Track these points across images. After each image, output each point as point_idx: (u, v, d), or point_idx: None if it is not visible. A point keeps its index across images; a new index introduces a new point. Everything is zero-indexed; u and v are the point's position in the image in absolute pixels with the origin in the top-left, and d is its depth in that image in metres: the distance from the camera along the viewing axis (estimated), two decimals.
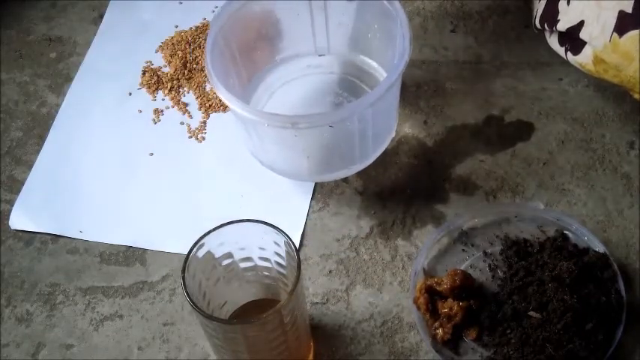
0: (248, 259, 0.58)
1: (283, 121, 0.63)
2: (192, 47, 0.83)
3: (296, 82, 0.77)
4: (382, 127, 0.70)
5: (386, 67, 0.75)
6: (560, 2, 0.70)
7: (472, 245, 0.69)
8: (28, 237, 0.72)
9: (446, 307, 0.63)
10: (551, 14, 0.71)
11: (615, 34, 0.65)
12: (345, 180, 0.73)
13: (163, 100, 0.80)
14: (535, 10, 0.75)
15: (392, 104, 0.69)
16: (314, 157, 0.69)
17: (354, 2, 0.71)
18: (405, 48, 0.65)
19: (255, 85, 0.76)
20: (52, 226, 0.72)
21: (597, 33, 0.66)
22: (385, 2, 0.69)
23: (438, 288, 0.64)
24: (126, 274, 0.69)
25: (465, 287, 0.64)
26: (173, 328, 0.66)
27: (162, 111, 0.80)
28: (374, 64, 0.76)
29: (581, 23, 0.67)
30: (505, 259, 0.67)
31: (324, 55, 0.78)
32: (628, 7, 0.64)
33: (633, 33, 0.64)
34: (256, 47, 0.74)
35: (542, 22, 0.73)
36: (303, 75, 0.78)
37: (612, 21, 0.65)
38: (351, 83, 0.77)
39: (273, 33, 0.74)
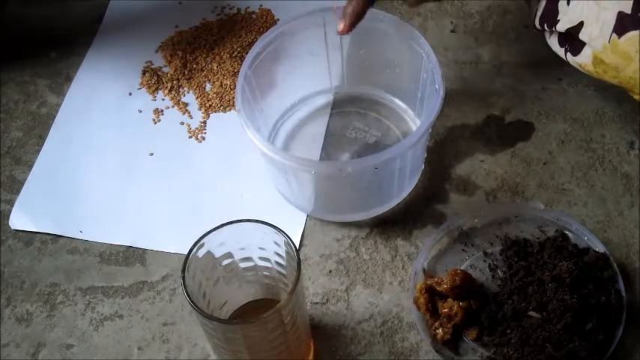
0: (248, 259, 0.58)
1: (331, 168, 0.66)
2: (192, 47, 0.83)
3: (316, 122, 0.77)
4: (417, 163, 0.70)
5: (406, 99, 0.76)
6: (560, 2, 0.70)
7: (472, 245, 0.69)
8: (28, 237, 0.72)
9: (446, 307, 0.63)
10: (551, 14, 0.71)
11: (614, 35, 0.65)
12: None
13: (163, 100, 0.80)
14: (535, 9, 0.75)
15: (426, 141, 0.69)
16: (356, 197, 0.70)
17: (373, 40, 0.72)
18: (439, 85, 0.65)
19: (277, 127, 0.76)
20: (52, 226, 0.72)
21: (596, 34, 0.66)
22: (408, 39, 0.69)
23: (438, 288, 0.64)
24: (126, 274, 0.69)
25: (465, 287, 0.64)
26: (173, 328, 0.66)
27: (162, 111, 0.80)
28: (393, 97, 0.77)
29: (581, 24, 0.67)
30: (505, 259, 0.67)
31: (340, 92, 0.78)
32: (627, 8, 0.64)
33: (632, 34, 0.64)
34: (276, 91, 0.74)
35: (541, 23, 0.73)
36: (322, 114, 0.77)
37: (611, 22, 0.65)
38: (371, 118, 0.77)
39: (290, 75, 0.74)
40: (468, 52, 0.82)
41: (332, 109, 0.78)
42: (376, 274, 0.68)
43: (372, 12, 0.71)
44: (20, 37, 0.86)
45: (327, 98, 0.78)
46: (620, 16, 0.64)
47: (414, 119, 0.76)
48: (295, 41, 0.71)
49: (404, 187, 0.70)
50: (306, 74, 0.76)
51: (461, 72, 0.80)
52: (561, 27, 0.70)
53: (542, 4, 0.72)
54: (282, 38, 0.71)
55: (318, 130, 0.76)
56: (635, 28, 0.63)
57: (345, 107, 0.78)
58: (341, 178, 0.66)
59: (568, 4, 0.69)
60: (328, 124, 0.77)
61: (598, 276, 0.65)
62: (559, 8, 0.70)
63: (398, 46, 0.71)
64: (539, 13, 0.73)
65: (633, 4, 0.63)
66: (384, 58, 0.74)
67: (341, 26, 0.66)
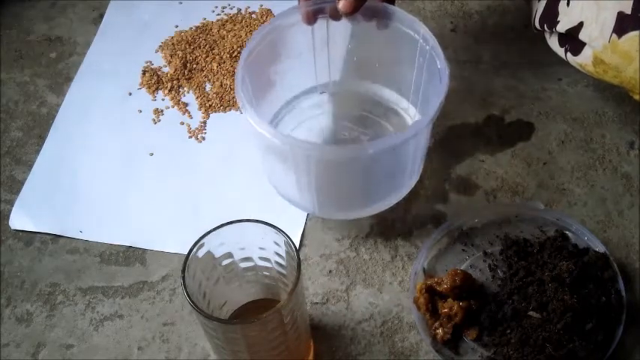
0: (248, 259, 0.58)
1: (356, 151, 0.62)
2: (192, 47, 0.83)
3: (307, 125, 0.76)
4: (426, 146, 0.69)
5: (400, 89, 0.75)
6: (560, 3, 0.70)
7: (472, 245, 0.69)
8: (28, 237, 0.72)
9: (446, 307, 0.63)
10: (551, 15, 0.71)
11: (614, 35, 0.65)
12: None
13: (163, 100, 0.80)
14: (534, 10, 0.75)
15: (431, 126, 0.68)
16: (369, 188, 0.68)
17: (360, 32, 0.71)
18: (442, 64, 0.64)
19: None
20: (52, 226, 0.72)
21: (596, 34, 0.66)
22: (400, 26, 0.68)
23: (438, 288, 0.64)
24: (126, 274, 0.69)
25: (465, 287, 0.64)
26: (173, 328, 0.66)
27: (162, 111, 0.80)
28: (385, 89, 0.76)
29: (581, 24, 0.67)
30: (505, 259, 0.67)
31: (329, 91, 0.77)
32: (627, 8, 0.64)
33: (632, 34, 0.64)
34: (267, 95, 0.73)
35: (541, 23, 0.73)
36: (311, 117, 0.76)
37: (611, 22, 0.65)
38: (363, 115, 0.76)
39: (278, 78, 0.73)
40: (468, 52, 0.82)
41: (324, 107, 0.77)
42: (376, 274, 0.68)
43: None
44: (20, 37, 0.86)
45: (318, 97, 0.78)
46: (620, 16, 0.64)
47: (408, 110, 0.74)
48: (283, 43, 0.70)
49: (414, 174, 0.69)
50: (293, 75, 0.75)
51: (461, 72, 0.80)
52: (561, 28, 0.70)
53: (542, 4, 0.72)
54: (271, 37, 0.69)
55: (310, 130, 0.75)
56: (635, 29, 0.63)
57: (336, 105, 0.77)
58: (356, 166, 0.64)
59: (568, 4, 0.69)
60: (320, 123, 0.76)
61: (598, 276, 0.65)
62: (559, 9, 0.70)
63: (388, 34, 0.69)
64: (538, 14, 0.73)
65: (633, 4, 0.63)
66: (374, 50, 0.73)
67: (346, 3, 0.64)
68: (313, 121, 0.76)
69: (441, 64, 0.65)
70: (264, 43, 0.68)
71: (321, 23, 0.70)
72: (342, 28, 0.71)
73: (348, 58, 0.75)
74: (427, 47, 0.66)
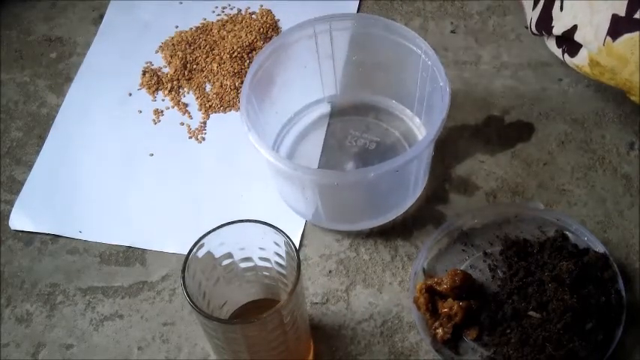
0: (248, 259, 0.58)
1: (357, 176, 0.65)
2: (192, 48, 0.83)
3: (314, 134, 0.76)
4: (429, 161, 0.70)
5: (404, 100, 0.75)
6: (553, 9, 0.70)
7: (472, 245, 0.69)
8: (28, 237, 0.72)
9: (446, 307, 0.63)
10: (546, 21, 0.71)
11: (609, 38, 0.64)
12: None
13: (163, 100, 0.80)
14: (529, 17, 0.75)
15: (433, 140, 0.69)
16: (374, 203, 0.69)
17: (365, 45, 0.72)
18: (444, 81, 0.65)
19: (277, 144, 0.75)
20: (52, 226, 0.72)
21: (591, 37, 0.66)
22: (403, 41, 0.69)
23: (438, 288, 0.64)
24: (126, 274, 0.69)
25: (465, 287, 0.64)
26: (173, 328, 0.66)
27: (162, 111, 0.80)
28: (390, 100, 0.77)
29: (575, 27, 0.67)
30: (505, 259, 0.67)
31: (335, 101, 0.78)
32: (621, 10, 0.64)
33: (627, 36, 0.63)
34: (272, 108, 0.73)
35: (538, 29, 0.73)
36: (319, 125, 0.77)
37: (605, 25, 0.64)
38: (370, 123, 0.76)
39: (285, 90, 0.73)
40: (468, 53, 0.82)
41: (329, 119, 0.77)
42: (376, 274, 0.68)
43: (362, 17, 0.70)
44: (20, 38, 0.86)
45: (324, 109, 0.78)
46: (614, 19, 0.64)
47: (413, 119, 0.75)
48: (288, 56, 0.71)
49: (418, 187, 0.70)
50: (300, 87, 0.75)
51: (461, 72, 0.80)
52: (557, 31, 0.70)
53: (537, 12, 0.73)
54: (276, 54, 0.70)
55: (316, 142, 0.76)
56: (629, 31, 0.63)
57: (342, 116, 0.77)
58: (360, 185, 0.65)
59: (561, 9, 0.69)
60: (326, 134, 0.76)
61: (598, 276, 0.65)
62: (552, 14, 0.70)
63: (391, 48, 0.70)
64: (534, 20, 0.73)
65: (627, 6, 0.63)
66: (377, 62, 0.74)
67: None
68: (320, 131, 0.76)
69: (443, 81, 0.65)
70: (269, 61, 0.70)
71: (324, 37, 0.71)
72: (346, 41, 0.72)
73: (353, 69, 0.76)
74: (429, 62, 0.67)
